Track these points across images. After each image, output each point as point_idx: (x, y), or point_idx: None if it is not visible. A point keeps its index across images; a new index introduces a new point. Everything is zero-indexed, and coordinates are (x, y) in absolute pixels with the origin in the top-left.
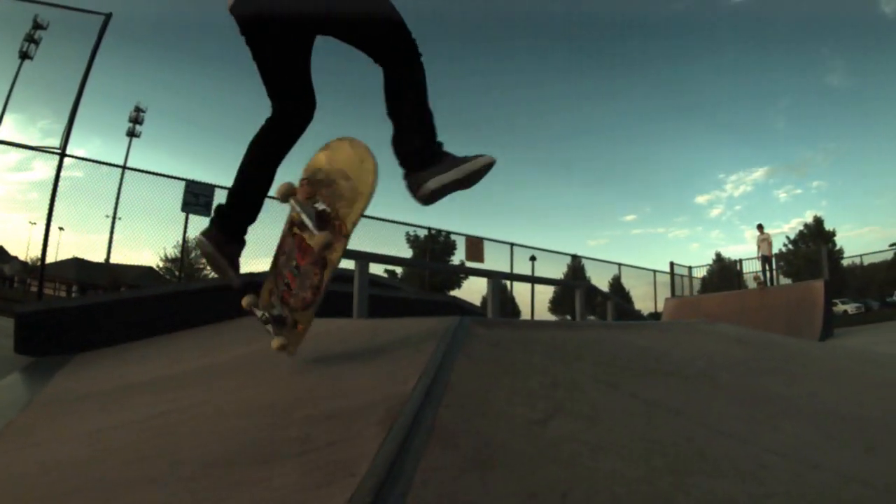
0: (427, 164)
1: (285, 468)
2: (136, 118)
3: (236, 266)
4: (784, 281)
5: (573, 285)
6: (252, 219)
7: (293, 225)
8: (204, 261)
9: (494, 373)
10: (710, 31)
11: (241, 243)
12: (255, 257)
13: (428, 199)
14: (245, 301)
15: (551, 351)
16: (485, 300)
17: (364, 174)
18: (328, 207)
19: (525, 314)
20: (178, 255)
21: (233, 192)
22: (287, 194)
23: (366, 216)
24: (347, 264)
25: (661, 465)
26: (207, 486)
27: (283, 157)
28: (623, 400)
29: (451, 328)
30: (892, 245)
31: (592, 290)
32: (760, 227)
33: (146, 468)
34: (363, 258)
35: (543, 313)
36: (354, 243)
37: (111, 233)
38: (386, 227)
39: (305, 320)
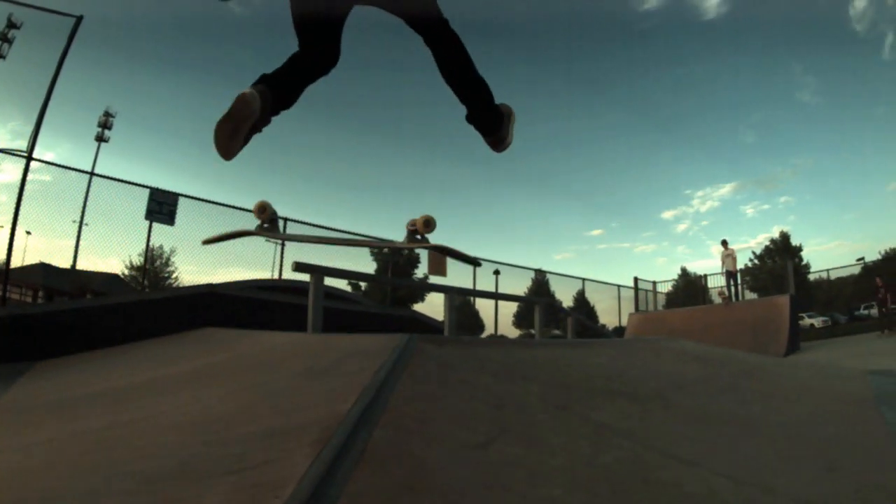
0: (499, 126)
1: (215, 487)
2: (106, 123)
3: (247, 140)
4: (750, 296)
5: (531, 301)
6: (286, 105)
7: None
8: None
9: (438, 393)
10: (681, 47)
11: (268, 121)
12: (223, 266)
13: (506, 150)
14: (262, 202)
15: (502, 370)
16: None
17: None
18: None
19: (489, 328)
20: (142, 263)
21: (280, 71)
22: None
23: (328, 227)
24: (304, 277)
25: (605, 491)
26: (143, 502)
27: (306, 85)
28: (571, 422)
29: (399, 347)
30: (859, 259)
31: (552, 307)
32: (725, 243)
33: (88, 481)
34: (317, 272)
35: (508, 327)
36: (314, 255)
37: (77, 238)
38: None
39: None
